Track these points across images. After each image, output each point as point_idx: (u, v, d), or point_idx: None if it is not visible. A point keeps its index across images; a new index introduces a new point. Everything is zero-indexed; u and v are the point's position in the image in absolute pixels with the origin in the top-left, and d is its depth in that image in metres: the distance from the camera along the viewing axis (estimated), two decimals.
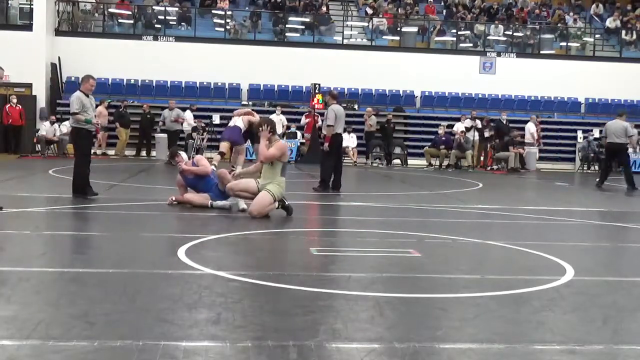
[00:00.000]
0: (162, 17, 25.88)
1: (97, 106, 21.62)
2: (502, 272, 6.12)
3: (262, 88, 24.57)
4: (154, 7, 26.24)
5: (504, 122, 23.07)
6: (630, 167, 16.19)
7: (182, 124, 21.29)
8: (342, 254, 6.65)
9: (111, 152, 22.07)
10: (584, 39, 28.27)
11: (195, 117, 22.52)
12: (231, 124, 15.30)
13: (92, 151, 21.03)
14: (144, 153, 22.64)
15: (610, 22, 28.60)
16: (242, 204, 9.34)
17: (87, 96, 10.52)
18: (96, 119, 10.97)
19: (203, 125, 22.29)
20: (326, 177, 12.88)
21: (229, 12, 26.49)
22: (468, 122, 22.64)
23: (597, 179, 16.19)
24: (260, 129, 9.13)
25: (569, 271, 5.98)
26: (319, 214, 10.59)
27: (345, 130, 22.80)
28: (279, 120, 22.21)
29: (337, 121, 12.77)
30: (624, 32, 28.22)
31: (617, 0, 30.75)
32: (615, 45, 28.08)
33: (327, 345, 3.80)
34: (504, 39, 27.33)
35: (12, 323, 4.01)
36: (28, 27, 23.39)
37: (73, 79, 24.08)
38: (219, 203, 9.48)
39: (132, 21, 25.95)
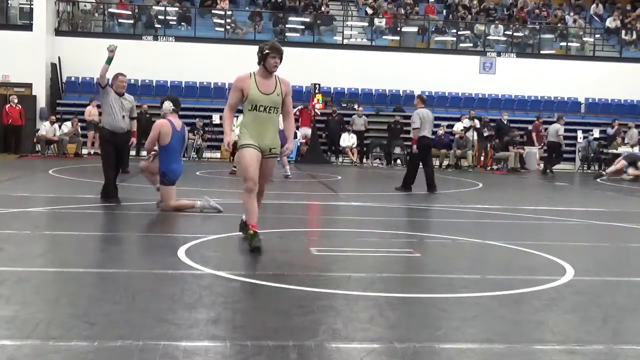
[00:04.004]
0: (162, 17, 25.87)
1: (87, 105, 21.78)
2: (502, 272, 6.12)
3: None
4: (153, 7, 26.24)
5: (505, 122, 23.11)
6: (551, 160, 21.03)
7: None
8: (342, 254, 6.64)
9: None
10: (584, 39, 28.26)
11: (194, 117, 22.52)
12: None
13: (87, 151, 21.21)
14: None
15: (610, 22, 28.59)
16: (213, 203, 9.15)
17: (122, 95, 9.91)
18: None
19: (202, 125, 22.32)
20: (409, 178, 13.37)
21: (229, 12, 26.50)
22: (467, 122, 22.66)
23: (548, 170, 20.49)
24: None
25: (569, 271, 5.98)
26: (319, 214, 10.59)
27: (346, 131, 23.14)
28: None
29: (422, 124, 13.22)
30: (624, 32, 28.22)
31: (617, 0, 30.75)
32: (615, 45, 28.07)
33: (327, 345, 3.80)
34: (504, 39, 27.33)
35: (12, 323, 4.01)
36: (28, 27, 23.40)
37: (73, 79, 24.13)
38: (199, 203, 9.21)
39: (132, 21, 25.95)
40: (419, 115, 13.25)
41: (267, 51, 6.55)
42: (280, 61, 6.61)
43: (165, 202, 9.24)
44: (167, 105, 9.44)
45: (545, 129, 23.34)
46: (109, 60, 9.77)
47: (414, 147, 13.39)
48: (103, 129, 10.01)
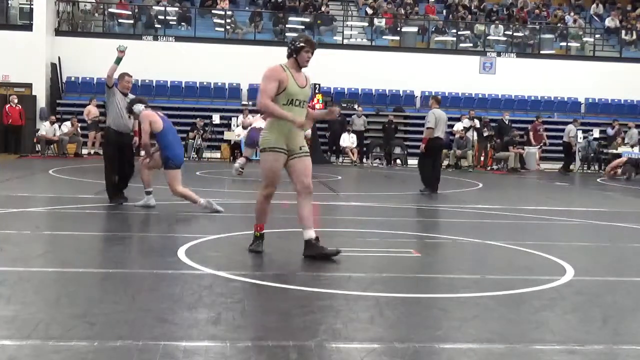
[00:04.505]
0: (162, 17, 25.88)
1: (87, 104, 21.81)
2: (502, 272, 6.12)
3: None
4: (153, 7, 26.24)
5: (506, 122, 23.12)
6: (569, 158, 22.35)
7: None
8: (342, 254, 6.64)
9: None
10: (584, 39, 28.26)
11: (194, 117, 22.50)
12: (256, 124, 15.29)
13: (87, 151, 21.23)
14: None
15: (609, 22, 28.59)
16: (216, 206, 9.16)
17: (126, 95, 9.84)
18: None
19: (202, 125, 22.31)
20: (425, 178, 13.20)
21: (229, 12, 26.51)
22: (467, 122, 22.66)
23: (561, 168, 21.74)
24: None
25: (569, 271, 5.98)
26: (319, 214, 10.58)
27: (347, 130, 23.13)
28: None
29: (437, 125, 13.05)
30: (623, 32, 28.22)
31: (617, 0, 30.75)
32: (615, 45, 28.07)
33: (327, 345, 3.80)
34: (504, 39, 27.34)
35: (12, 323, 4.01)
36: (28, 27, 23.40)
37: (73, 79, 24.12)
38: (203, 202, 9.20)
39: (132, 21, 25.95)
40: (434, 115, 13.10)
41: (302, 44, 6.25)
42: (312, 56, 6.35)
43: (171, 186, 9.25)
44: (139, 106, 9.50)
45: (545, 129, 23.43)
46: (118, 61, 9.80)
47: (422, 146, 13.29)
48: (109, 129, 9.92)
